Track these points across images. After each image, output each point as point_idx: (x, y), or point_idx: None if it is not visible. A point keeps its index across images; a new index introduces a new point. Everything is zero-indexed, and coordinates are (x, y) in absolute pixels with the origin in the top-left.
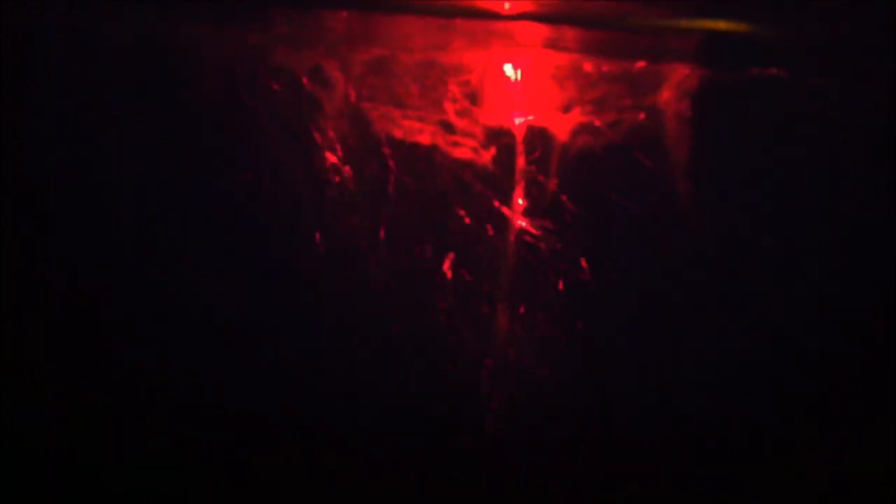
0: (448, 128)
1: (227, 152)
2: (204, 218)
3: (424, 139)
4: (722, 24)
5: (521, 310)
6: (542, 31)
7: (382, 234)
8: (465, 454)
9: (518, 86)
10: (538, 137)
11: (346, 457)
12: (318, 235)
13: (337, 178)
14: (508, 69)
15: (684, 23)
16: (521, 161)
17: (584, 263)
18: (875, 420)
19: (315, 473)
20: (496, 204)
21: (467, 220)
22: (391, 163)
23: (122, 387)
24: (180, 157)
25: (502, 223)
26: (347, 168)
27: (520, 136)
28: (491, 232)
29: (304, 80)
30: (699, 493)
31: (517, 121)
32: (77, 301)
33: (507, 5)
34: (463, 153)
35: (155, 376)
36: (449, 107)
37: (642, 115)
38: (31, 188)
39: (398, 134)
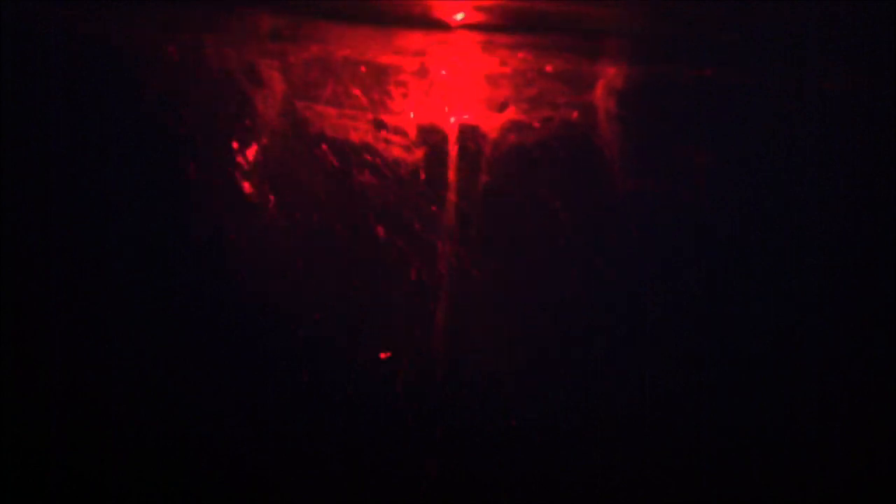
0: (381, 127)
1: (160, 151)
2: (143, 218)
3: (357, 138)
4: (656, 23)
5: (453, 307)
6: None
7: (313, 233)
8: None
9: (454, 86)
10: (471, 136)
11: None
12: (247, 236)
13: (269, 177)
14: (445, 70)
15: (621, 20)
16: (453, 159)
17: (515, 262)
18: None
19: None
20: (428, 203)
21: (398, 220)
22: (324, 162)
23: (121, 387)
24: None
25: (434, 222)
26: (279, 167)
27: (453, 135)
28: (422, 230)
29: (239, 78)
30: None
31: (451, 119)
32: (77, 301)
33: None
34: (395, 152)
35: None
36: (383, 106)
37: (576, 113)
38: (31, 188)
39: (330, 133)
